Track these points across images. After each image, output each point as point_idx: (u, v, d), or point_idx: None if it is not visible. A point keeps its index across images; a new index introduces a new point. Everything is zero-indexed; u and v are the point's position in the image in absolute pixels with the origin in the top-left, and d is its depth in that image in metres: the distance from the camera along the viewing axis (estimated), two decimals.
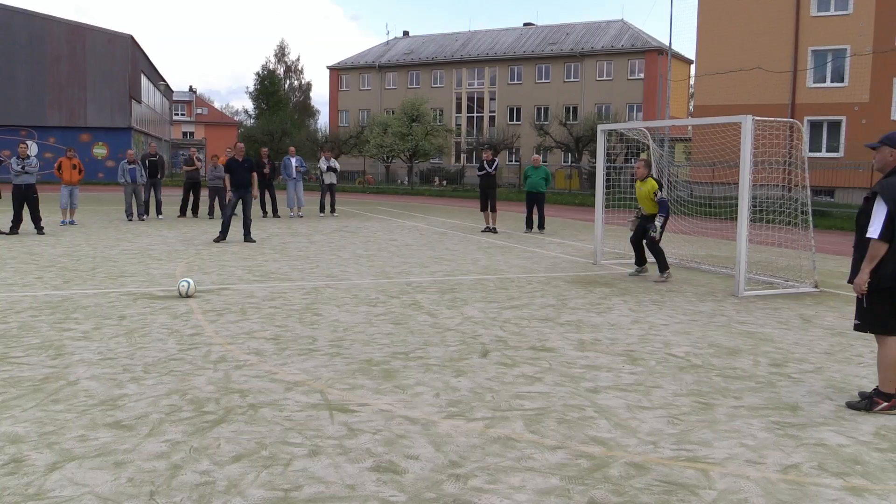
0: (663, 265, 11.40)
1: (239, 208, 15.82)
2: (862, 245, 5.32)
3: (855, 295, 5.44)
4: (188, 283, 9.26)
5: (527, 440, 4.64)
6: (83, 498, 3.73)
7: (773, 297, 10.25)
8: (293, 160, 22.39)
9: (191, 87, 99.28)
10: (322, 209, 23.46)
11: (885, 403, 5.31)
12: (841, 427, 5.02)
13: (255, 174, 16.18)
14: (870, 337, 7.78)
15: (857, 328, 5.53)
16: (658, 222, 11.10)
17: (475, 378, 5.98)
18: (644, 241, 11.57)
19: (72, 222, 18.61)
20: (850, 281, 5.41)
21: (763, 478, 4.15)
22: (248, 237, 15.50)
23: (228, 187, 15.93)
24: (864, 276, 5.22)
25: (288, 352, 6.69)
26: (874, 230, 5.13)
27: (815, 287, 10.90)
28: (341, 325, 7.81)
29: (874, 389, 5.44)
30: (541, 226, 19.35)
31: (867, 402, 5.37)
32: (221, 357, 6.46)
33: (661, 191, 11.25)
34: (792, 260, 13.10)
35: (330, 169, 23.16)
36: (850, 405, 5.44)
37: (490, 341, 7.25)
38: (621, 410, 5.26)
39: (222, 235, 15.34)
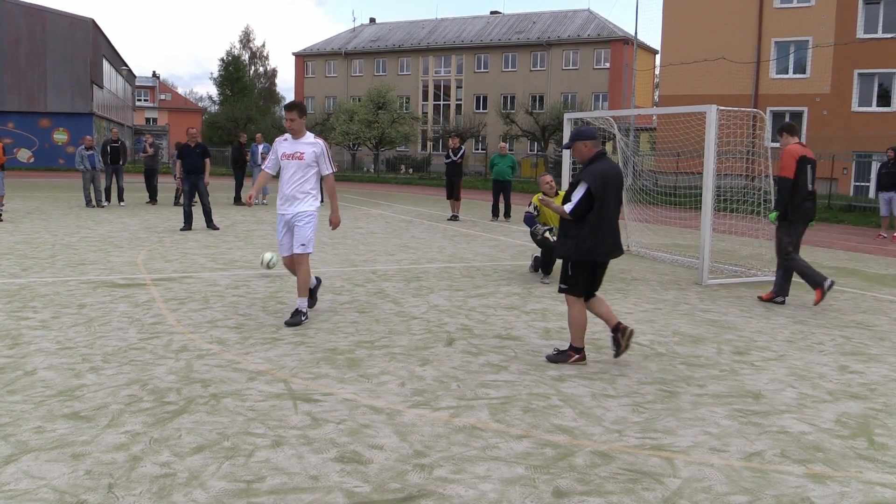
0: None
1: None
2: (565, 224, 6.10)
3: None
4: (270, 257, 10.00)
5: (492, 429, 4.63)
6: (39, 491, 3.64)
7: (736, 286, 10.35)
8: (260, 147, 22.15)
9: (154, 72, 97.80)
10: None
11: (577, 356, 6.15)
12: (803, 415, 5.07)
13: (207, 161, 15.66)
14: (830, 325, 7.91)
15: (561, 290, 6.20)
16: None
17: (440, 367, 5.96)
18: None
19: None
20: (559, 256, 6.17)
21: (727, 465, 4.18)
22: (210, 224, 15.28)
23: (178, 174, 15.52)
24: (556, 206, 6.13)
25: (251, 341, 6.61)
26: (569, 206, 5.95)
27: None
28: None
29: (570, 345, 6.23)
30: (507, 214, 19.38)
31: (562, 356, 6.18)
32: (183, 346, 6.36)
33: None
34: (754, 249, 13.24)
35: None
36: (549, 358, 6.21)
37: (455, 330, 7.23)
38: (586, 399, 5.27)
39: (187, 225, 15.03)
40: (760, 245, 12.82)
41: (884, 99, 33.83)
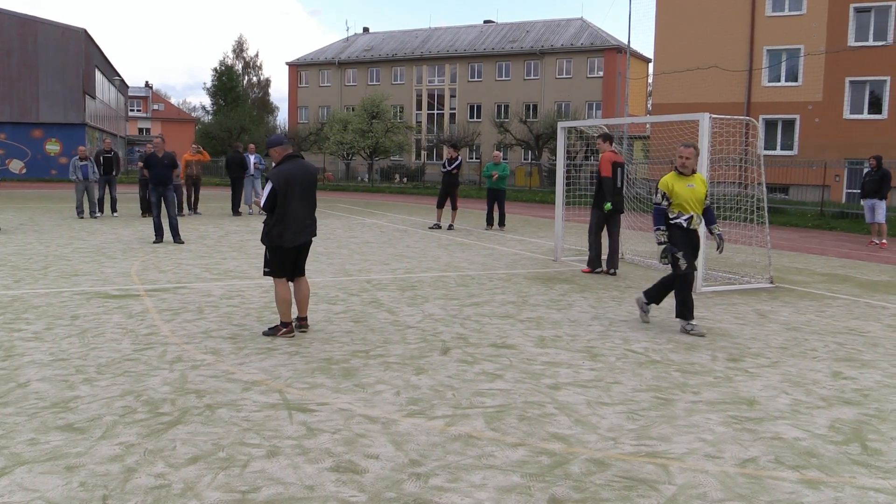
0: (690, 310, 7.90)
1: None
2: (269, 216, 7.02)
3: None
4: None
5: (488, 438, 4.63)
6: (33, 503, 3.62)
7: (729, 293, 10.38)
8: (252, 157, 22.17)
9: (147, 82, 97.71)
10: None
11: (284, 329, 7.02)
12: (797, 421, 5.08)
13: (175, 171, 15.15)
14: (823, 331, 7.94)
15: (265, 274, 7.14)
16: (719, 231, 8.18)
17: (436, 376, 5.96)
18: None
19: None
20: (262, 240, 7.09)
21: (721, 472, 4.18)
22: (176, 238, 14.63)
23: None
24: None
25: (246, 351, 6.60)
26: (263, 201, 6.90)
27: (771, 283, 11.06)
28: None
29: (280, 321, 7.16)
30: (501, 223, 19.40)
31: (273, 330, 7.07)
32: (177, 357, 6.35)
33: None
34: (748, 256, 13.28)
35: None
36: (264, 333, 7.12)
37: (451, 339, 7.23)
38: (582, 407, 5.27)
39: (158, 237, 14.58)
40: (754, 252, 12.86)
41: (875, 106, 33.98)
